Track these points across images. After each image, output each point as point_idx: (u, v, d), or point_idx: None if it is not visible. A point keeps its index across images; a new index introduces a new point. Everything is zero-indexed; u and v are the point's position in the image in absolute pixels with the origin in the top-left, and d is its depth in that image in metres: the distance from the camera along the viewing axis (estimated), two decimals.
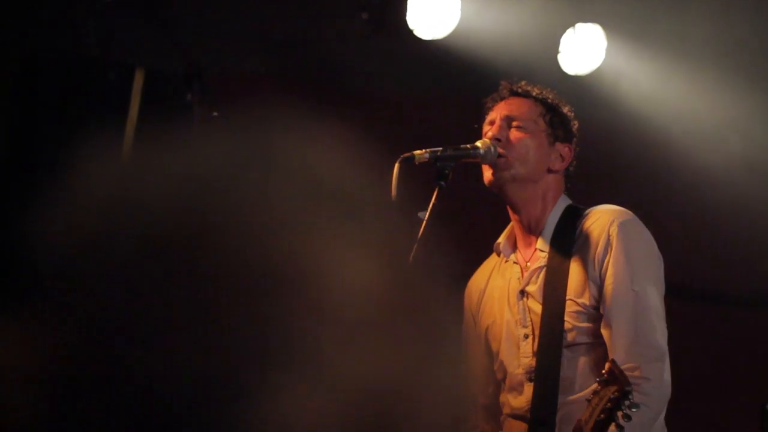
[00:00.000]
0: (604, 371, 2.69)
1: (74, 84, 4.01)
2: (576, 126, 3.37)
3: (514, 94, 3.35)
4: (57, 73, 4.03)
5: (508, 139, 3.25)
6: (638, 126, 4.95)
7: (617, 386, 2.64)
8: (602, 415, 2.66)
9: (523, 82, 3.37)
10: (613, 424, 2.66)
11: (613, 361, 2.73)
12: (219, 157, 0.75)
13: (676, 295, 3.40)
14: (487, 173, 3.25)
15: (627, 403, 2.62)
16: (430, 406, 0.70)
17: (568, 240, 3.22)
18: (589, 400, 2.70)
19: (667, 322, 3.17)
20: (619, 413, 2.63)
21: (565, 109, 3.36)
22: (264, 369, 0.68)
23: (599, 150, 4.08)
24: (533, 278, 3.25)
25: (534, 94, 3.34)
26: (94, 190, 0.75)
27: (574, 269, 3.17)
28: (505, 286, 3.32)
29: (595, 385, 2.72)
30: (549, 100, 3.34)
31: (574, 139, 3.35)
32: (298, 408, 0.68)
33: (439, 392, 0.71)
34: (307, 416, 0.67)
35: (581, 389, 3.08)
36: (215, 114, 4.09)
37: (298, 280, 0.70)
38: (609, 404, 2.64)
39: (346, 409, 0.68)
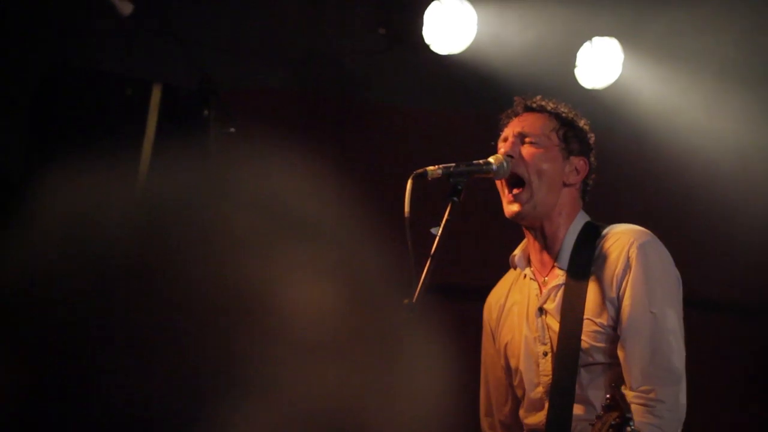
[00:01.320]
0: (607, 396, 2.69)
1: (91, 100, 4.02)
2: (593, 139, 3.35)
3: (528, 109, 3.33)
4: (74, 89, 4.05)
5: (520, 155, 3.24)
6: (655, 140, 4.94)
7: (618, 412, 2.64)
8: None
9: (538, 97, 3.35)
10: None
11: (614, 388, 2.73)
12: (181, 181, 0.74)
13: (698, 307, 3.38)
14: (510, 207, 3.22)
15: (628, 429, 2.62)
16: (388, 427, 0.70)
17: (587, 259, 3.19)
18: (592, 425, 2.70)
19: (690, 335, 3.15)
20: None
21: (581, 123, 3.34)
22: (219, 395, 0.67)
23: (615, 164, 4.06)
24: (552, 296, 3.23)
25: (548, 108, 3.32)
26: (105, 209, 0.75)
27: (593, 289, 3.15)
28: (524, 302, 3.31)
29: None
30: (563, 114, 3.32)
31: (592, 153, 3.33)
32: None
33: (397, 414, 0.71)
34: None
35: (597, 409, 3.06)
36: (231, 130, 4.09)
37: (255, 304, 0.70)
38: (611, 430, 2.64)
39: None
